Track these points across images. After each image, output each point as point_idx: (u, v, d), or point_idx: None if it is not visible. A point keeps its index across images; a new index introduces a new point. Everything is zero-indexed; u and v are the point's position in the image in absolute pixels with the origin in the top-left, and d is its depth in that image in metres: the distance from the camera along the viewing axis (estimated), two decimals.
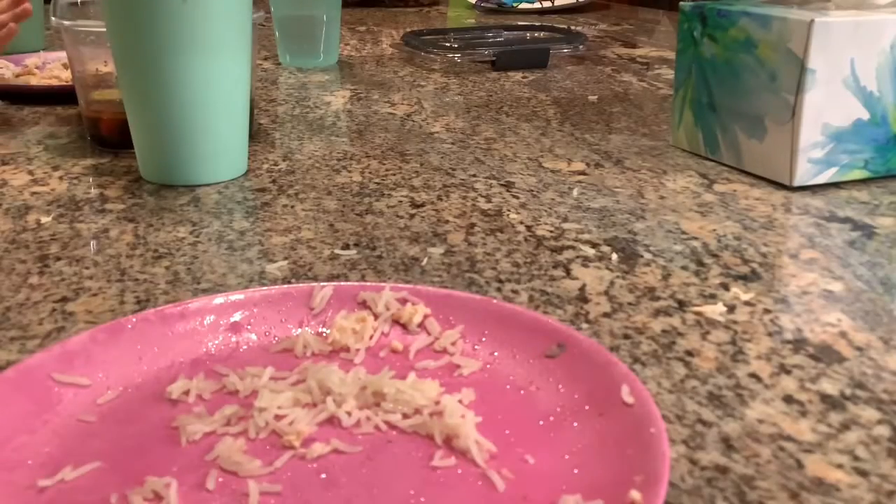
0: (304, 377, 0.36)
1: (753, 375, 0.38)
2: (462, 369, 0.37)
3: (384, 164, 0.67)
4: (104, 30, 0.62)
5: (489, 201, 0.59)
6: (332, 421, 0.34)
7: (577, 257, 0.50)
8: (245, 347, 0.39)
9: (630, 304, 0.44)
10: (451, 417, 0.33)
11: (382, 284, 0.41)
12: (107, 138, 0.71)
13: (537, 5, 1.55)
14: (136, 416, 0.34)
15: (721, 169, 0.65)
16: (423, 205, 0.58)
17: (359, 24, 1.44)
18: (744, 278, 0.47)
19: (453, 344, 0.38)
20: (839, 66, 0.59)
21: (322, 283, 0.42)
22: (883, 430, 0.34)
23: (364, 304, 0.41)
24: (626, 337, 0.41)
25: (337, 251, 0.51)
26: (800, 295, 0.45)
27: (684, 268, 0.48)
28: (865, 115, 0.60)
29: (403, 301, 0.40)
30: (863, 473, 0.31)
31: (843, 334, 0.41)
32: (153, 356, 0.38)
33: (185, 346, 0.39)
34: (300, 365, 0.37)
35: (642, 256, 0.50)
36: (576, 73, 1.02)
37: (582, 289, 0.46)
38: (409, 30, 1.28)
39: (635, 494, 0.28)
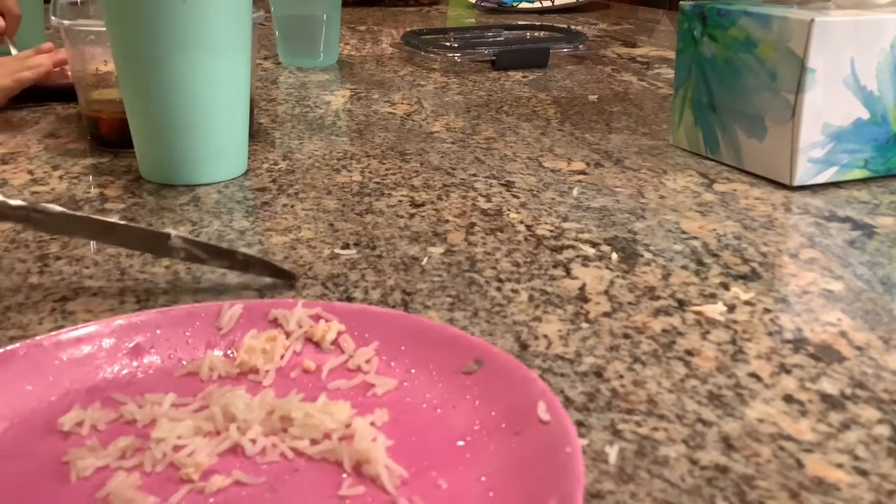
0: (208, 403, 0.34)
1: (753, 375, 0.38)
2: (376, 388, 0.35)
3: (384, 164, 0.67)
4: (104, 29, 0.62)
5: (489, 201, 0.59)
6: (234, 450, 0.32)
7: (577, 257, 0.50)
8: (147, 372, 0.37)
9: (630, 303, 0.44)
10: (360, 442, 0.32)
11: (294, 301, 0.40)
12: (107, 138, 0.71)
13: (537, 5, 1.55)
14: (25, 451, 0.32)
15: (721, 168, 0.65)
16: (423, 204, 0.58)
17: (359, 23, 1.44)
18: (744, 278, 0.47)
19: (368, 361, 0.37)
20: (839, 66, 0.59)
21: (231, 301, 0.40)
22: (883, 430, 0.34)
23: (275, 322, 0.39)
24: (626, 336, 0.41)
25: (337, 251, 0.51)
26: (800, 294, 0.45)
27: (684, 267, 0.48)
28: (865, 115, 0.60)
29: (317, 318, 0.39)
30: (863, 473, 0.31)
31: (843, 334, 0.41)
32: (46, 385, 0.36)
33: (81, 373, 0.36)
34: (205, 390, 0.35)
35: (642, 256, 0.50)
36: (576, 73, 1.02)
37: (582, 288, 0.46)
38: (409, 29, 1.28)
39: None
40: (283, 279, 0.46)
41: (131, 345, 0.38)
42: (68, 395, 0.35)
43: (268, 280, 0.46)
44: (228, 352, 0.38)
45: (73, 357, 0.37)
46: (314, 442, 0.33)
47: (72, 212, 0.45)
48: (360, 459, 0.31)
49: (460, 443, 0.32)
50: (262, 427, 0.33)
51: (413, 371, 0.36)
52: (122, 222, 0.46)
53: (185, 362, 0.37)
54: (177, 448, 0.32)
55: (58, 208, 0.45)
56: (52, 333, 0.37)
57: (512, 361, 0.35)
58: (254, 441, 0.32)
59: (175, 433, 0.32)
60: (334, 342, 0.38)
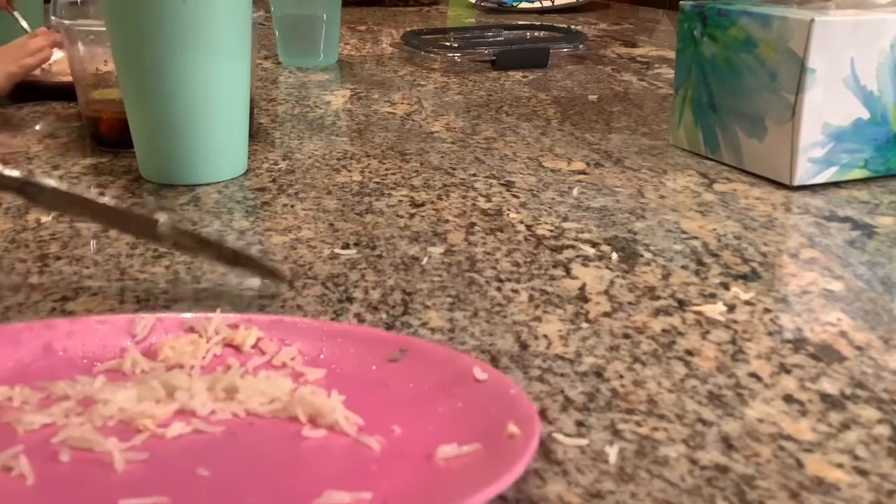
0: (144, 382, 0.34)
1: (753, 375, 0.38)
2: (306, 376, 0.36)
3: (384, 164, 0.67)
4: (104, 29, 0.62)
5: (489, 201, 0.59)
6: (184, 412, 0.33)
7: (577, 257, 0.50)
8: (65, 368, 0.36)
9: (630, 303, 0.44)
10: (313, 396, 0.33)
11: (211, 315, 0.39)
12: (107, 138, 0.71)
13: (537, 4, 1.55)
14: None
15: (721, 168, 0.65)
16: (423, 204, 0.58)
17: (359, 23, 1.44)
18: (744, 278, 0.47)
19: (292, 359, 0.37)
20: (839, 66, 0.59)
21: (142, 315, 0.39)
22: (883, 430, 0.34)
23: (192, 330, 0.39)
24: (626, 336, 0.41)
25: (337, 250, 0.51)
26: (800, 294, 0.45)
27: (684, 267, 0.48)
28: (865, 115, 0.60)
29: (234, 326, 0.39)
30: (863, 473, 0.31)
31: (843, 334, 0.41)
32: None
33: None
34: (135, 377, 0.35)
35: (642, 256, 0.50)
36: (576, 73, 1.02)
37: (582, 288, 0.46)
38: (409, 29, 1.28)
39: (513, 427, 0.30)
40: (274, 279, 0.45)
41: (42, 345, 0.37)
42: None
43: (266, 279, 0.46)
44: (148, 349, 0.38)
45: None
46: (263, 404, 0.34)
47: (64, 189, 0.44)
48: (315, 413, 0.33)
49: (404, 403, 0.34)
50: (208, 395, 0.34)
51: (337, 366, 0.37)
52: (112, 204, 0.45)
53: (99, 364, 0.37)
54: (123, 411, 0.32)
55: (52, 183, 0.44)
56: None
57: (437, 346, 0.36)
58: (203, 405, 0.33)
59: (120, 397, 0.33)
60: (255, 346, 0.38)
